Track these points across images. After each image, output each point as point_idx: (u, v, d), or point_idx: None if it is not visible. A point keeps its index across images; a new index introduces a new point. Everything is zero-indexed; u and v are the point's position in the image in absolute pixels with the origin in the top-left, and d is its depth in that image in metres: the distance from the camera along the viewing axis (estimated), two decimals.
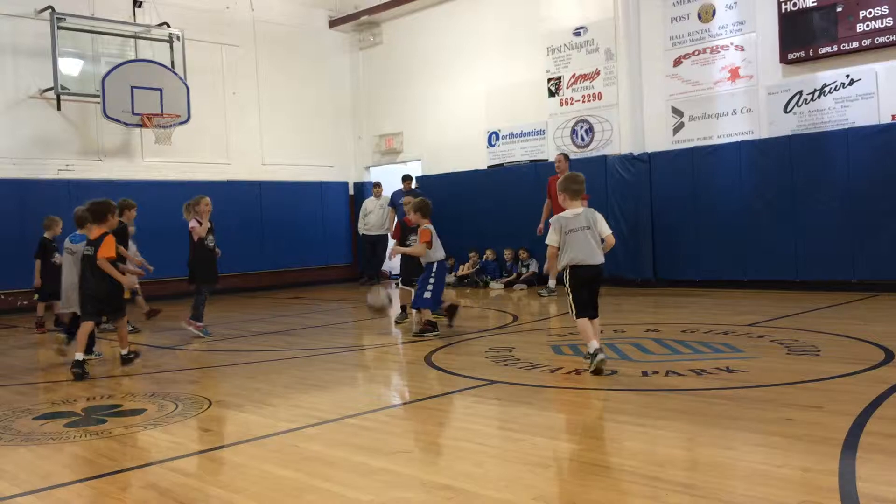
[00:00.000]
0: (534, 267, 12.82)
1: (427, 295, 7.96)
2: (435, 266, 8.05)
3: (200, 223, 8.51)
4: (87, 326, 6.72)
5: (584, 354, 6.00)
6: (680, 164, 11.51)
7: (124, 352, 7.02)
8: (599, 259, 5.81)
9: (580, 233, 5.76)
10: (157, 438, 4.42)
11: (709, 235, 11.22)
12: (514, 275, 12.96)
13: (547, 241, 5.89)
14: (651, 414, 4.44)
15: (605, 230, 5.89)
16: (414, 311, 8.47)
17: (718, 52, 11.29)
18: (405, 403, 5.40)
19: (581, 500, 3.18)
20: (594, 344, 5.64)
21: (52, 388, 6.23)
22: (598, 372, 5.54)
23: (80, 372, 6.35)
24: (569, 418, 4.72)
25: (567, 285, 5.84)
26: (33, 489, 3.59)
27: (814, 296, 9.65)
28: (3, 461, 4.06)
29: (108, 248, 6.68)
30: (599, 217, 5.90)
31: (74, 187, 12.45)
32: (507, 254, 13.18)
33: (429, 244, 8.00)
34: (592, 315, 5.85)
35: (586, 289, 5.78)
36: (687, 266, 11.47)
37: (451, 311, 8.33)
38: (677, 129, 11.76)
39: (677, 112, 11.75)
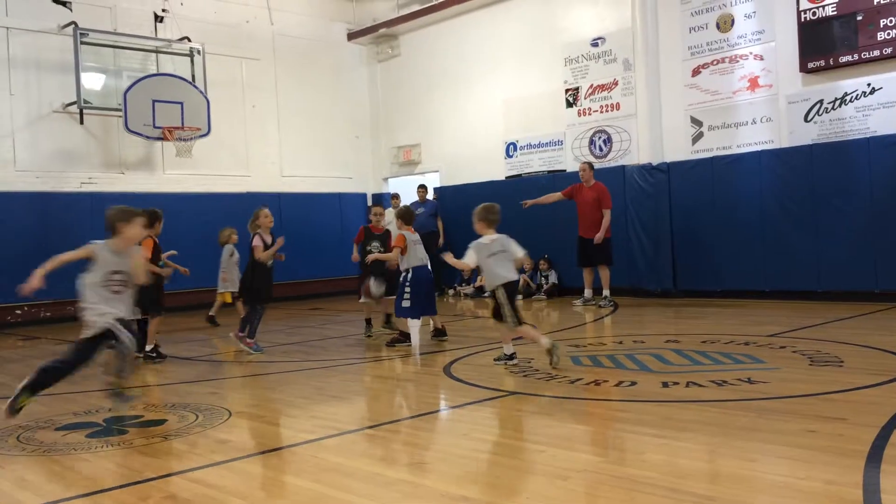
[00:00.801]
0: (553, 278, 12.78)
1: (405, 304, 7.82)
2: (410, 273, 7.88)
3: (264, 239, 7.96)
4: (154, 322, 7.76)
5: (502, 357, 6.63)
6: (699, 174, 11.45)
7: (149, 348, 7.63)
8: (516, 276, 6.71)
9: (499, 255, 6.54)
10: (178, 449, 4.44)
11: (729, 245, 11.14)
12: (534, 286, 12.92)
13: (464, 260, 6.63)
14: (671, 425, 4.41)
15: (518, 252, 6.62)
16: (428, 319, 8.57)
17: (737, 61, 11.24)
18: (424, 414, 5.39)
19: None
20: (546, 340, 6.34)
21: (74, 399, 6.28)
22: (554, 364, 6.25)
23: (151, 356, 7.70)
24: (589, 429, 4.70)
25: (504, 301, 6.48)
26: (55, 499, 3.61)
27: (836, 306, 9.54)
28: (26, 472, 4.10)
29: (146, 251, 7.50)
30: (512, 241, 6.63)
31: (96, 200, 12.58)
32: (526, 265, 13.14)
33: (402, 249, 7.88)
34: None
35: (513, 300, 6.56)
36: (707, 276, 11.39)
37: (402, 337, 8.21)
38: (696, 138, 11.71)
39: (696, 122, 11.71)
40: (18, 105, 12.21)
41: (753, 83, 11.10)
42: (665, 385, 5.48)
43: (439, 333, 8.28)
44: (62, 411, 5.67)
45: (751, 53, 11.11)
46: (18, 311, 11.72)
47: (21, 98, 12.24)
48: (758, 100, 11.06)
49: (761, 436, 4.14)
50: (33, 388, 5.13)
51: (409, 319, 8.37)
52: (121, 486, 3.76)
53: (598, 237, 10.82)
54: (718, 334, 7.74)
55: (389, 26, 15.72)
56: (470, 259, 6.59)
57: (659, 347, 7.12)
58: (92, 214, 11.87)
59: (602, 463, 3.85)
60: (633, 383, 5.60)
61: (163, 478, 3.87)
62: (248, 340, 8.12)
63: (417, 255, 7.97)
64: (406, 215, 8.25)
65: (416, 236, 8.13)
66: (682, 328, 8.87)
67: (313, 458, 4.17)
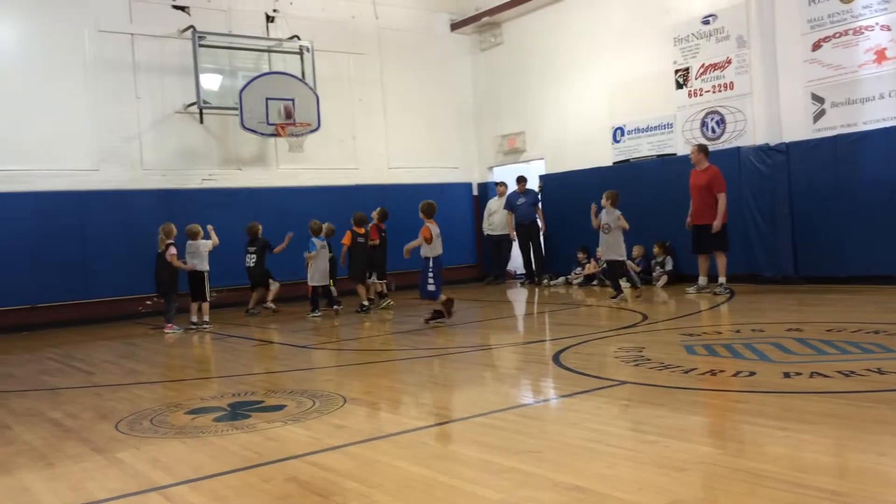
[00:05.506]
0: (669, 265, 12.38)
1: (431, 287, 9.14)
2: (432, 261, 9.20)
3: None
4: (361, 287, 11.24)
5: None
6: (821, 154, 10.85)
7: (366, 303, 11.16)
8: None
9: None
10: (297, 434, 4.62)
11: (855, 228, 10.51)
12: (639, 269, 12.62)
13: None
14: (794, 417, 4.22)
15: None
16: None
17: (862, 33, 10.56)
18: (534, 403, 5.39)
19: None
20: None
21: (202, 385, 6.64)
22: None
23: (366, 307, 11.12)
24: (704, 421, 4.57)
25: None
26: (186, 479, 3.83)
27: None
28: (160, 453, 4.36)
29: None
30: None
31: (217, 195, 13.22)
32: (636, 251, 12.84)
33: (428, 240, 9.16)
34: None
35: None
36: (831, 261, 10.79)
37: (448, 305, 9.31)
38: (818, 116, 11.10)
39: (818, 99, 11.09)
40: (144, 107, 12.94)
41: (880, 56, 10.40)
42: (787, 375, 5.25)
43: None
44: (190, 396, 6.00)
45: (877, 24, 10.41)
46: (149, 302, 12.44)
47: (146, 101, 12.95)
48: (885, 73, 10.36)
49: (893, 429, 3.92)
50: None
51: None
52: (246, 468, 3.95)
53: (717, 225, 10.44)
54: (845, 322, 7.34)
55: (492, 14, 15.67)
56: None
57: (779, 336, 6.82)
58: (212, 209, 12.46)
59: (720, 455, 3.74)
60: (752, 373, 5.39)
61: (283, 461, 4.03)
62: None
63: (439, 247, 9.33)
64: (428, 209, 9.42)
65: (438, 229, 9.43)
66: (804, 316, 8.46)
67: (424, 445, 4.25)
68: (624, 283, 12.09)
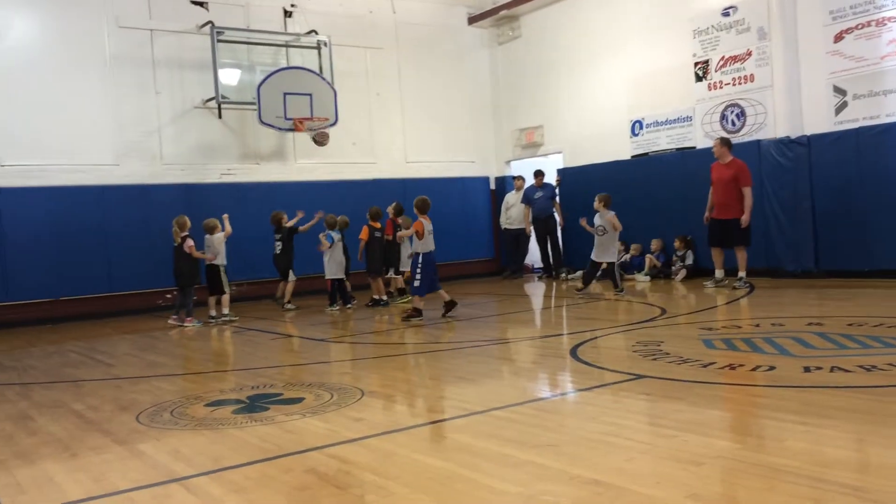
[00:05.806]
0: (690, 259, 12.29)
1: (416, 283, 9.21)
2: (421, 257, 9.20)
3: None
4: (377, 281, 11.35)
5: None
6: (843, 147, 10.72)
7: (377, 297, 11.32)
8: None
9: None
10: (315, 426, 4.64)
11: (877, 222, 10.39)
12: (659, 263, 12.54)
13: None
14: (814, 412, 4.19)
15: None
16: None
17: (885, 24, 10.41)
18: (551, 397, 5.38)
19: (738, 501, 3.05)
20: None
21: (221, 378, 6.70)
22: None
23: (378, 302, 11.27)
24: (723, 415, 4.54)
25: None
26: (206, 471, 3.87)
27: None
28: (180, 444, 4.41)
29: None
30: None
31: (235, 190, 13.30)
32: (655, 245, 12.78)
33: (418, 234, 9.16)
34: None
35: None
36: (853, 255, 10.67)
37: (415, 313, 9.25)
38: (840, 108, 10.96)
39: (839, 91, 10.95)
40: (163, 102, 13.03)
41: None
42: (807, 370, 5.21)
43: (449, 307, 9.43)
44: (210, 389, 6.05)
45: None
46: (169, 296, 12.55)
47: (165, 96, 13.04)
48: None
49: None
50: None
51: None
52: (265, 460, 3.97)
53: (745, 219, 10.33)
54: (866, 317, 7.26)
55: (510, 8, 15.61)
56: None
57: (800, 330, 6.76)
58: (231, 203, 12.52)
59: (739, 449, 3.72)
60: (772, 368, 5.36)
61: (302, 453, 4.06)
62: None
63: (431, 243, 9.28)
64: (422, 205, 9.41)
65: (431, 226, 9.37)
66: (825, 310, 8.38)
67: (442, 438, 4.26)
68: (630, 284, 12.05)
